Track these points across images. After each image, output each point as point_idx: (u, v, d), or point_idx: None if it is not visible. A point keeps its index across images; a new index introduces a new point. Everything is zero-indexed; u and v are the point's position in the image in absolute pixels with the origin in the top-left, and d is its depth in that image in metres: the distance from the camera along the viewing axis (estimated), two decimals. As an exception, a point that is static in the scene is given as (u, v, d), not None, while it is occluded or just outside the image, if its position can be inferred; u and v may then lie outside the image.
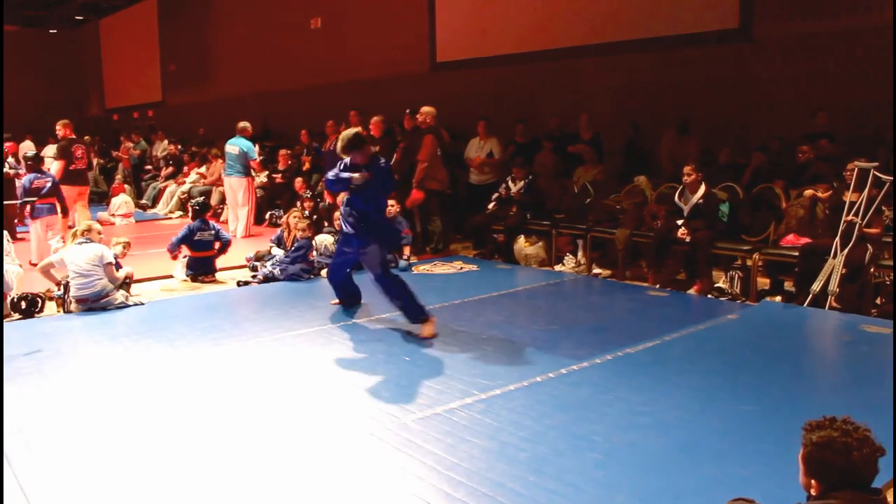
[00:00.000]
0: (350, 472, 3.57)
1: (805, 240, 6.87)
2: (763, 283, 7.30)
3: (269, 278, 7.95)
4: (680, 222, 7.44)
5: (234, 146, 11.56)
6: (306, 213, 9.71)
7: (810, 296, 6.44)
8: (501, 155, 10.43)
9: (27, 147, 16.72)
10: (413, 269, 8.57)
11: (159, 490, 3.42)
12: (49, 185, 9.30)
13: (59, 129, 10.66)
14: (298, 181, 12.04)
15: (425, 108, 9.54)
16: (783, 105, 8.95)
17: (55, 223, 9.14)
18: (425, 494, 3.32)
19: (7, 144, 14.69)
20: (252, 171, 11.78)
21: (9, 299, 6.77)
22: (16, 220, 11.24)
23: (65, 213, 9.46)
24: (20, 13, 24.09)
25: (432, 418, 4.20)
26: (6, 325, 6.50)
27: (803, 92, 8.72)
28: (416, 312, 5.92)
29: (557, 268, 8.67)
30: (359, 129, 6.68)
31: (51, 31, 27.28)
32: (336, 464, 3.67)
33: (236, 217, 11.57)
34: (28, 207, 9.26)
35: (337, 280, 6.68)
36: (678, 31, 9.81)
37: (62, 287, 6.94)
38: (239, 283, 7.99)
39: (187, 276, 8.09)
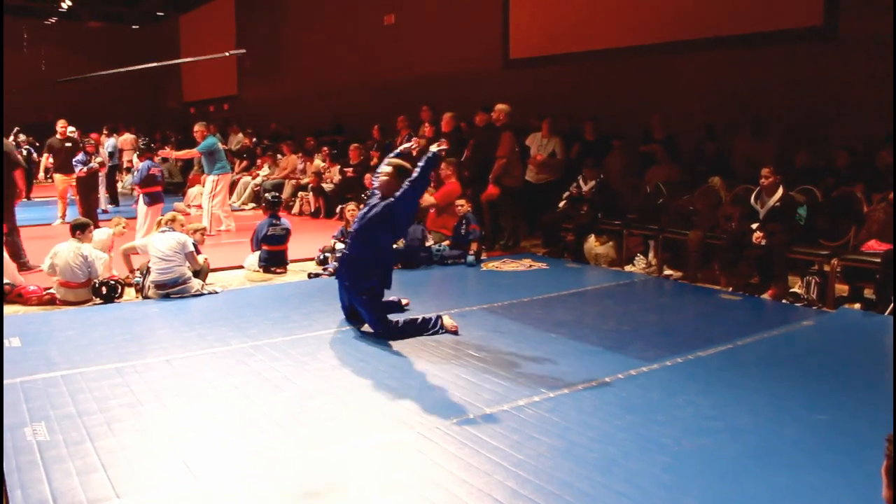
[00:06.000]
0: (416, 466, 3.61)
1: (887, 246, 6.64)
2: (841, 289, 7.09)
3: (339, 271, 8.07)
4: (755, 225, 7.28)
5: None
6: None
7: (892, 304, 6.23)
8: (563, 156, 10.35)
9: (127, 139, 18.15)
10: (482, 265, 8.60)
11: (232, 474, 3.51)
12: (160, 174, 10.17)
13: (59, 128, 12.73)
14: (367, 177, 12.16)
15: (500, 106, 9.55)
16: (865, 106, 8.65)
17: (159, 211, 9.56)
18: (492, 491, 3.34)
19: (93, 135, 15.37)
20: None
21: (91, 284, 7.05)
22: (98, 209, 11.80)
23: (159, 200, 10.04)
24: (104, 10, 24.92)
25: (499, 415, 4.21)
26: (88, 309, 6.78)
27: (888, 93, 8.41)
28: (428, 329, 5.81)
29: (627, 268, 8.59)
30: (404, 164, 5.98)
31: (133, 26, 28.14)
32: (402, 457, 3.71)
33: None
34: (141, 194, 9.99)
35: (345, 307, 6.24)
36: (757, 29, 9.58)
37: (141, 273, 7.20)
38: (310, 276, 8.14)
39: (259, 267, 8.27)
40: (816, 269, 7.14)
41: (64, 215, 12.29)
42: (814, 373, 5.01)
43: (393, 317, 5.84)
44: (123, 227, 8.18)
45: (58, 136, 12.78)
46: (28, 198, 9.34)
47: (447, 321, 5.88)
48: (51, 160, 14.77)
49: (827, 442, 3.88)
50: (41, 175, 16.49)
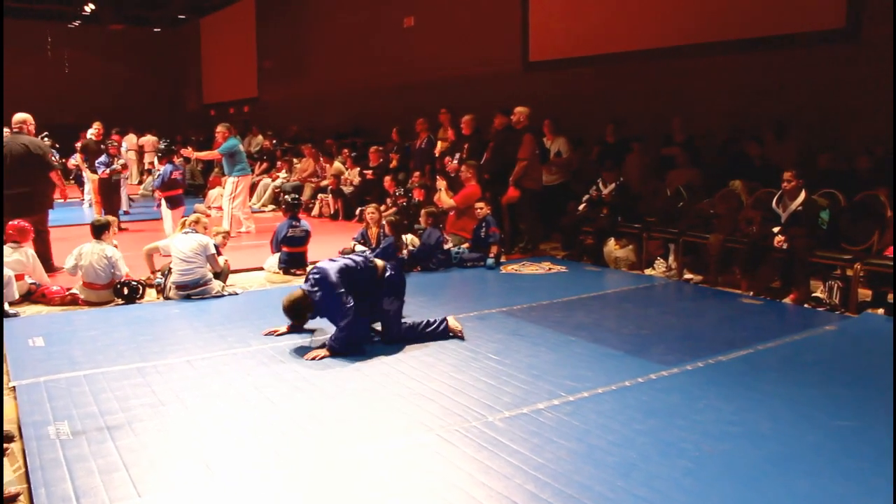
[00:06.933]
0: (435, 468, 3.62)
1: (912, 251, 6.58)
2: (864, 294, 7.01)
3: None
4: (776, 229, 7.22)
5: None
6: (396, 208, 9.79)
7: (916, 309, 6.17)
8: (570, 154, 10.29)
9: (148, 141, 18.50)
10: (501, 268, 8.59)
11: (252, 475, 3.54)
12: (182, 177, 10.47)
13: (94, 129, 13.10)
14: (387, 179, 12.20)
15: (519, 108, 9.53)
16: (888, 109, 8.53)
17: (181, 214, 9.68)
18: (511, 493, 3.34)
19: (115, 136, 15.51)
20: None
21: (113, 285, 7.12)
22: (119, 210, 11.93)
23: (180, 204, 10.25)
24: (126, 12, 25.20)
25: (519, 418, 4.21)
26: (111, 309, 6.84)
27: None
28: (430, 328, 5.76)
29: (648, 272, 8.54)
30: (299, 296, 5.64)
31: (154, 29, 28.44)
32: (421, 459, 3.72)
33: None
34: (163, 198, 10.30)
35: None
36: (779, 32, 9.51)
37: (162, 274, 7.26)
38: (329, 278, 8.14)
39: (280, 268, 8.31)
40: (839, 273, 7.07)
41: (100, 213, 12.38)
42: (836, 378, 4.97)
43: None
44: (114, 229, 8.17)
45: (94, 138, 12.95)
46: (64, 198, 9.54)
47: (451, 322, 5.84)
48: (73, 161, 14.94)
49: (848, 448, 3.85)
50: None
